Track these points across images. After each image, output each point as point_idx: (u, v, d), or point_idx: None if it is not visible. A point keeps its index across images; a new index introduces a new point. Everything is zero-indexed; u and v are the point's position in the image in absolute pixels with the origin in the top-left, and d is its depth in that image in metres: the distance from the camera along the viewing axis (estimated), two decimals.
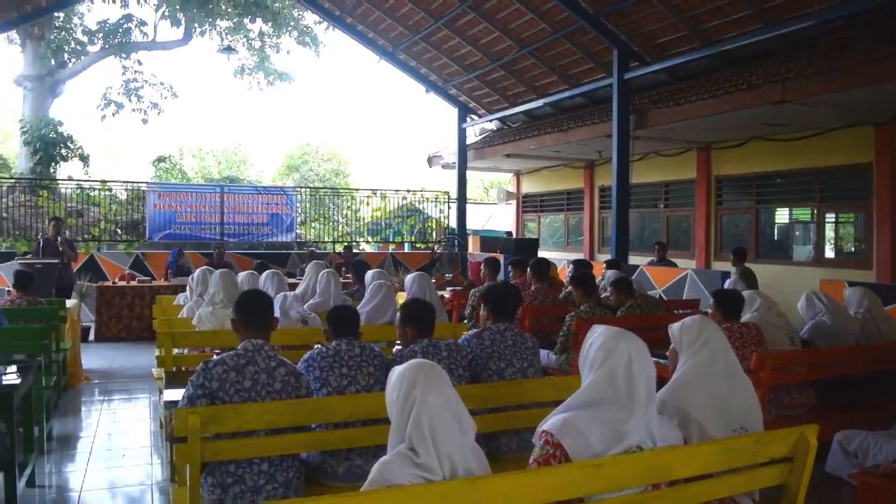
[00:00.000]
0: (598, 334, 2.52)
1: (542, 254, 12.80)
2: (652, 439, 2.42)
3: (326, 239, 15.77)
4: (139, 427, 6.62)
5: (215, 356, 3.43)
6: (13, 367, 4.74)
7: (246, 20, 19.43)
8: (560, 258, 12.97)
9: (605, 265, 9.19)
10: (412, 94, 48.95)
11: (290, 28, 19.90)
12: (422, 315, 3.82)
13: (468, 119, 16.25)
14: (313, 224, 15.98)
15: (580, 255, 15.41)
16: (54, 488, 5.07)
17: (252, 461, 3.11)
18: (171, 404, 3.76)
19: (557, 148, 14.02)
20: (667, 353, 3.16)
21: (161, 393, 5.93)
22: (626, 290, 6.59)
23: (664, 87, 11.64)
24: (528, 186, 19.23)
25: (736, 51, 9.86)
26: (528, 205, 19.42)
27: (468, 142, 16.49)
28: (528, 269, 7.60)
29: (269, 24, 19.63)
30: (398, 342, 4.10)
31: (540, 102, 13.69)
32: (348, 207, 16.22)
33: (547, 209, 18.84)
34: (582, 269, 7.60)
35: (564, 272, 11.22)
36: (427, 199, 16.29)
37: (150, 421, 6.74)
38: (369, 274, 6.46)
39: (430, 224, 16.33)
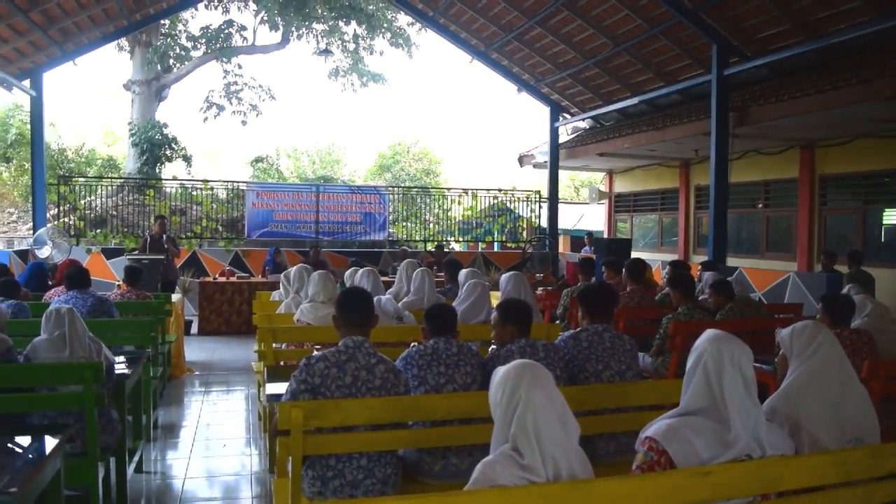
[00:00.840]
0: (702, 340, 2.47)
1: (634, 254, 12.57)
2: (761, 447, 2.34)
3: (417, 238, 15.93)
4: (237, 418, 6.85)
5: (315, 352, 3.52)
6: (123, 358, 4.99)
7: (341, 23, 19.82)
8: (653, 259, 12.70)
9: (701, 267, 8.95)
10: (504, 93, 48.89)
11: (383, 30, 20.18)
12: (520, 314, 3.81)
13: (560, 118, 16.10)
14: (404, 223, 16.17)
15: (674, 256, 15.04)
16: (160, 474, 5.30)
17: (352, 456, 3.17)
18: (273, 397, 3.87)
19: (652, 146, 13.73)
20: (769, 360, 3.05)
21: (261, 386, 6.13)
22: (725, 293, 6.40)
23: (765, 83, 11.22)
24: (621, 186, 18.91)
25: (844, 44, 9.41)
26: (621, 204, 19.10)
27: (560, 141, 16.34)
28: (624, 269, 7.46)
29: (364, 26, 19.96)
30: (494, 341, 4.09)
31: (635, 100, 13.44)
32: (439, 207, 16.34)
33: (640, 209, 18.48)
34: (680, 271, 7.42)
35: (659, 273, 10.99)
36: (518, 198, 16.24)
37: (248, 413, 6.97)
38: (462, 273, 6.48)
39: (520, 223, 16.27)
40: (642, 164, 16.84)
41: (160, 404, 6.83)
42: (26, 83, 12.88)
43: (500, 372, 2.30)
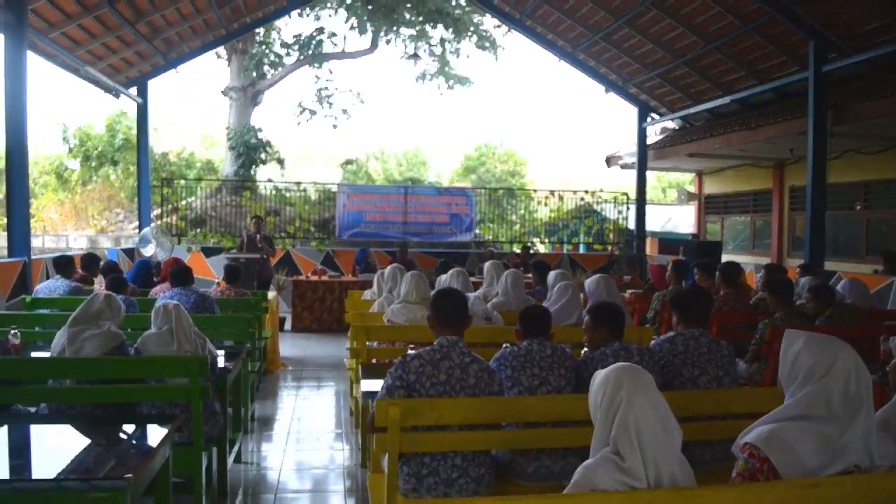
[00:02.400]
0: (802, 344, 2.37)
1: (724, 257, 12.24)
2: (870, 458, 2.25)
3: (503, 239, 15.94)
4: (329, 413, 7.03)
5: (410, 350, 3.59)
6: (223, 352, 5.20)
7: (428, 27, 20.03)
8: (745, 262, 12.33)
9: (798, 270, 8.65)
10: (590, 94, 48.27)
11: (469, 33, 20.28)
12: (613, 317, 3.79)
13: (649, 118, 15.82)
14: (490, 224, 16.21)
15: (766, 260, 14.57)
16: (257, 465, 5.49)
17: (446, 455, 3.22)
18: (368, 394, 3.97)
19: (744, 146, 13.34)
20: (874, 367, 2.93)
21: (353, 383, 6.27)
22: (825, 298, 6.16)
23: (864, 80, 10.74)
24: (711, 187, 18.44)
25: None
26: (711, 206, 18.61)
27: (648, 141, 16.06)
28: (718, 273, 7.28)
29: (450, 30, 20.11)
30: (586, 344, 4.08)
31: (727, 99, 13.08)
32: (525, 208, 16.30)
33: (731, 211, 17.96)
34: (777, 275, 7.19)
35: (752, 277, 10.67)
36: (605, 199, 16.05)
37: (339, 408, 7.14)
38: (552, 275, 6.46)
39: (607, 225, 16.07)
40: (733, 164, 16.38)
41: (256, 398, 7.07)
42: (133, 91, 13.53)
43: (600, 375, 2.30)
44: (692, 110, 14.47)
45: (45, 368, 4.01)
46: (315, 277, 11.78)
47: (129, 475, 2.55)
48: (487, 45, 20.45)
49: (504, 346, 3.98)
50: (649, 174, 18.36)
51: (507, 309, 6.09)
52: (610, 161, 17.66)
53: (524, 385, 3.55)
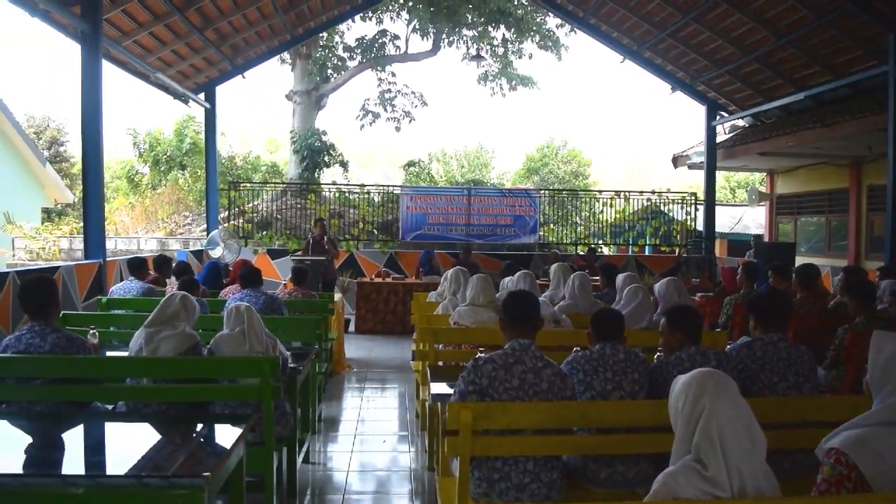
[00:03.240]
0: (895, 347, 2.28)
1: (798, 260, 11.86)
2: None
3: (567, 241, 15.78)
4: (394, 415, 7.06)
5: (479, 353, 3.56)
6: (290, 354, 5.25)
7: (490, 28, 19.97)
8: (820, 264, 11.91)
9: (878, 273, 8.31)
10: (656, 92, 47.52)
11: (532, 33, 20.15)
12: (690, 321, 3.69)
13: (717, 116, 15.45)
14: (553, 226, 16.07)
15: (842, 262, 14.06)
16: (325, 466, 5.54)
17: (518, 459, 3.18)
18: (437, 397, 3.95)
19: (818, 144, 12.89)
20: None
21: (420, 385, 6.28)
22: None
23: None
24: (783, 186, 17.89)
25: None
26: (783, 206, 18.06)
27: (717, 140, 15.69)
28: (794, 275, 7.05)
29: (512, 30, 20.02)
30: (660, 348, 3.99)
31: (800, 95, 12.67)
32: (589, 209, 16.12)
33: (804, 211, 17.40)
34: (857, 277, 6.92)
35: (829, 280, 10.32)
36: (672, 200, 15.74)
37: (405, 410, 7.16)
38: (620, 277, 6.35)
39: (674, 226, 15.75)
40: (807, 163, 15.85)
41: (323, 399, 7.14)
42: (201, 96, 13.86)
43: (681, 380, 2.23)
44: (763, 108, 14.06)
45: (124, 368, 4.12)
46: (379, 279, 11.86)
47: (207, 473, 2.59)
48: (550, 44, 20.29)
49: (574, 349, 3.92)
50: (718, 174, 17.93)
51: (575, 312, 6.01)
52: (677, 161, 17.31)
53: (597, 390, 3.49)
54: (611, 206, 15.64)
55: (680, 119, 65.85)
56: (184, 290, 5.92)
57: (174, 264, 7.84)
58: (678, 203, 15.65)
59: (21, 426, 3.48)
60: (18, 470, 2.79)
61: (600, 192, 16.50)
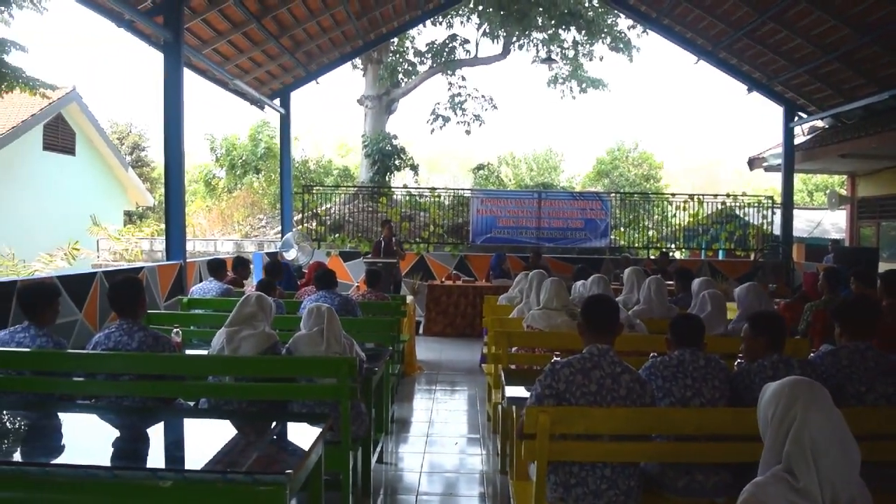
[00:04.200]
0: None
1: (881, 266, 11.40)
2: None
3: (637, 245, 15.54)
4: (465, 417, 7.08)
5: (556, 357, 3.54)
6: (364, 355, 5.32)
7: (560, 30, 19.83)
8: None
9: None
10: (731, 94, 46.44)
11: (603, 35, 19.93)
12: (774, 327, 3.59)
13: (796, 117, 14.99)
14: (624, 229, 15.85)
15: None
16: (397, 466, 5.59)
17: (595, 465, 3.16)
18: (512, 400, 3.95)
19: None
20: None
21: (491, 388, 6.28)
22: None
23: None
24: (866, 189, 17.23)
25: None
26: (865, 210, 17.39)
27: (795, 142, 15.22)
28: (880, 282, 6.77)
29: (583, 32, 19.83)
30: (740, 355, 3.90)
31: (884, 95, 12.18)
32: (660, 213, 15.85)
33: (888, 215, 16.72)
34: None
35: None
36: (748, 203, 15.34)
37: (476, 412, 7.17)
38: (696, 282, 6.23)
39: (750, 230, 15.33)
40: (891, 165, 15.25)
41: (395, 400, 7.21)
42: (276, 102, 14.17)
43: (771, 388, 2.17)
44: (845, 108, 13.57)
45: (206, 366, 4.24)
46: (449, 282, 11.91)
47: (290, 471, 2.64)
48: (621, 46, 20.03)
49: (651, 355, 3.86)
50: (796, 176, 17.39)
51: (649, 317, 5.93)
52: (753, 163, 16.87)
53: (676, 396, 3.43)
54: (683, 209, 15.33)
55: (755, 121, 64.22)
56: (261, 291, 6.10)
57: (264, 266, 8.03)
58: (754, 206, 15.24)
59: (110, 420, 3.62)
60: (107, 461, 2.90)
61: (673, 195, 16.19)
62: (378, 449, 5.35)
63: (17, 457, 3.01)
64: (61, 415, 3.62)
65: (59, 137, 20.31)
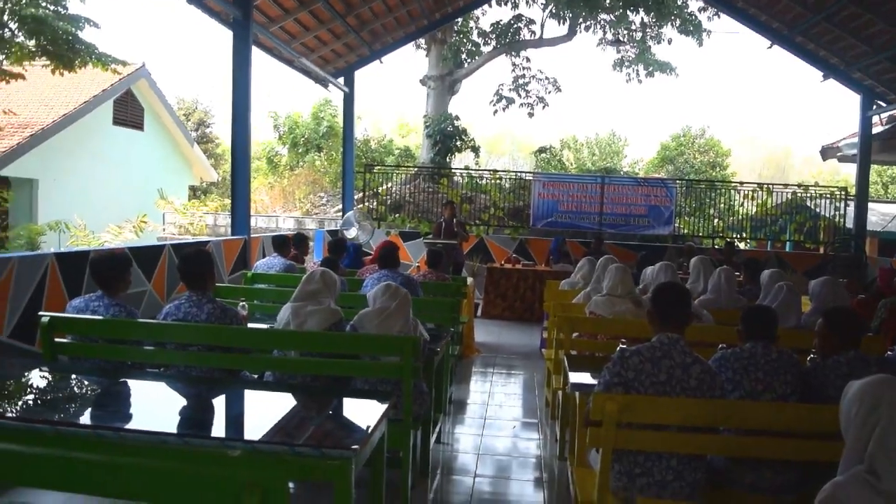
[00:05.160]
0: None
1: None
2: None
3: (702, 233, 15.22)
4: (522, 401, 7.05)
5: (622, 345, 3.48)
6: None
7: (629, 12, 19.43)
8: None
9: None
10: (802, 80, 44.87)
11: (672, 17, 19.45)
12: (851, 324, 3.47)
13: (874, 106, 14.43)
14: (688, 217, 15.53)
15: None
16: (455, 447, 5.60)
17: (661, 455, 3.10)
18: (576, 386, 3.91)
19: None
20: None
21: (550, 373, 6.24)
22: None
23: None
24: None
25: None
26: None
27: (873, 131, 14.65)
28: None
29: (651, 14, 19.40)
30: (813, 350, 3.78)
31: None
32: (726, 201, 15.48)
33: None
34: None
35: None
36: (819, 194, 14.85)
37: (533, 397, 7.14)
38: (766, 273, 6.05)
39: (821, 222, 14.85)
40: None
41: (453, 381, 7.22)
42: (340, 80, 14.25)
43: (854, 386, 2.09)
44: None
45: (273, 339, 4.30)
46: (509, 265, 11.86)
47: (356, 446, 2.66)
48: (691, 29, 19.52)
49: (720, 346, 3.77)
50: (871, 168, 16.77)
51: (716, 307, 5.80)
52: (826, 153, 16.31)
53: (746, 389, 3.35)
54: (751, 199, 14.93)
55: (828, 109, 62.12)
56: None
57: (327, 243, 8.12)
58: (826, 197, 14.75)
59: (178, 388, 3.70)
60: (173, 428, 2.96)
61: (741, 183, 15.78)
62: (436, 429, 5.37)
63: (92, 421, 3.09)
64: (132, 382, 3.71)
65: (128, 113, 20.83)
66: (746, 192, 15.00)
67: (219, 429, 3.21)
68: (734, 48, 62.29)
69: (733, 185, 16.10)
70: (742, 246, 15.68)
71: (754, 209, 15.05)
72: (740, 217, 15.33)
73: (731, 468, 3.35)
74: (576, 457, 3.88)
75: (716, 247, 13.88)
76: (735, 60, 67.34)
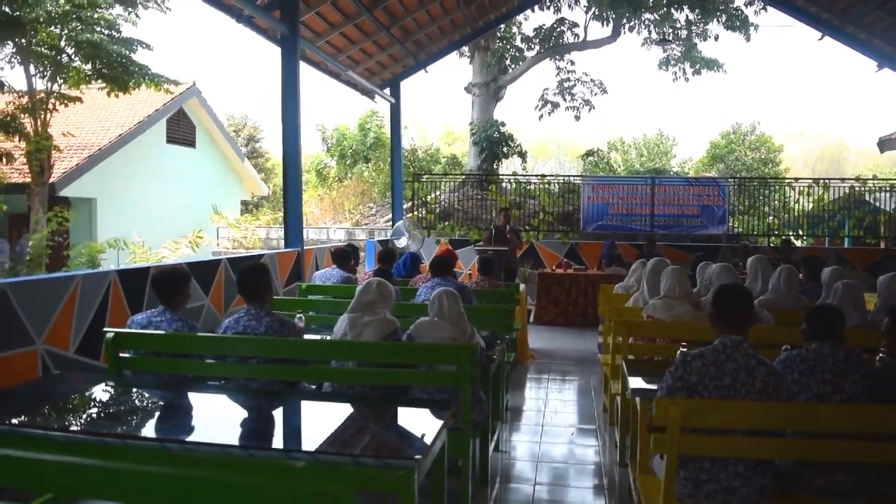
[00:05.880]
0: None
1: None
2: None
3: (756, 232, 14.92)
4: (579, 408, 6.98)
5: (682, 348, 3.42)
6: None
7: (673, 10, 19.17)
8: None
9: None
10: (856, 72, 43.67)
11: (718, 14, 19.12)
12: None
13: None
14: (741, 216, 15.24)
15: None
16: (513, 455, 5.56)
17: (728, 461, 3.04)
18: (637, 391, 3.86)
19: None
20: None
21: (608, 379, 6.17)
22: None
23: None
24: None
25: None
26: None
27: None
28: None
29: (697, 11, 19.10)
30: (882, 350, 3.67)
31: None
32: (780, 198, 15.15)
33: None
34: None
35: None
36: (879, 188, 14.43)
37: (590, 402, 7.06)
38: (826, 271, 5.90)
39: (881, 217, 14.42)
40: None
41: (508, 388, 7.19)
42: (386, 91, 14.36)
43: None
44: None
45: (330, 350, 4.33)
46: (560, 270, 11.79)
47: (419, 456, 2.66)
48: (738, 24, 19.16)
49: (784, 348, 3.69)
50: None
51: (776, 307, 5.66)
52: (884, 145, 15.85)
53: (814, 391, 3.26)
54: (807, 195, 14.58)
55: (883, 100, 60.41)
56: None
57: (378, 253, 8.16)
58: (886, 191, 14.33)
59: (239, 401, 3.75)
60: (236, 440, 3.01)
61: (795, 179, 15.43)
62: (494, 437, 5.35)
63: (158, 433, 3.15)
64: (194, 395, 3.78)
65: (180, 131, 21.33)
66: (802, 188, 14.66)
67: (280, 440, 3.25)
68: (783, 41, 61.01)
69: (788, 181, 15.74)
70: (798, 243, 15.33)
71: (810, 205, 14.69)
72: (796, 214, 14.99)
73: (800, 472, 3.27)
74: (638, 463, 3.82)
75: (771, 245, 13.58)
76: (785, 54, 66.00)
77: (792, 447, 3.15)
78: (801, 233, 15.25)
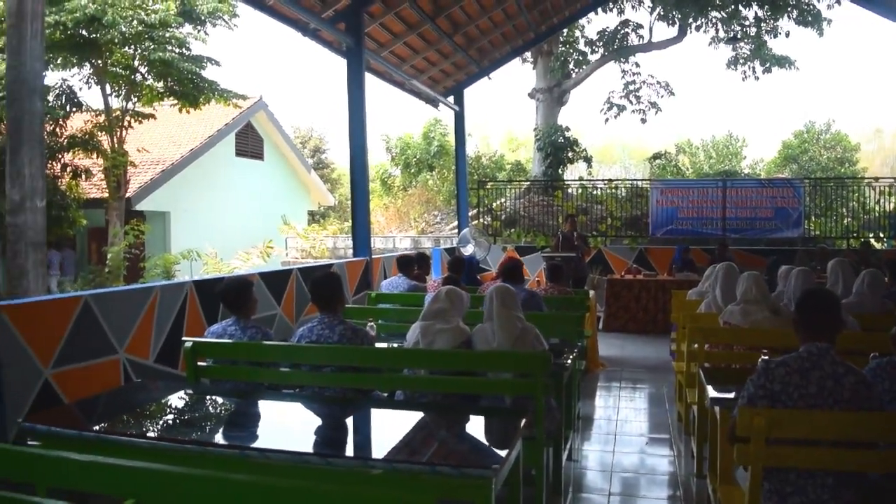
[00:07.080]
0: None
1: None
2: None
3: (833, 234, 14.41)
4: (652, 417, 6.86)
5: (763, 356, 3.32)
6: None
7: (741, 7, 18.72)
8: None
9: None
10: None
11: (789, 9, 18.58)
12: None
13: None
14: (817, 218, 14.75)
15: None
16: (585, 464, 5.48)
17: (815, 473, 2.92)
18: (716, 401, 3.75)
19: None
20: None
21: (682, 387, 6.04)
22: None
23: None
24: None
25: None
26: None
27: None
28: None
29: (766, 7, 18.60)
30: None
31: None
32: (858, 199, 14.60)
33: None
34: None
35: None
36: None
37: (663, 412, 6.92)
38: None
39: None
40: None
41: (579, 396, 7.11)
42: (450, 99, 14.41)
43: None
44: None
45: (403, 358, 4.35)
46: (629, 276, 11.61)
47: (496, 465, 2.64)
48: (810, 19, 18.57)
49: (872, 355, 3.54)
50: None
51: (859, 312, 5.44)
52: None
53: None
54: (888, 195, 14.02)
55: None
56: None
57: (447, 261, 8.20)
58: None
59: (313, 409, 3.80)
60: (311, 447, 3.05)
61: (875, 179, 14.85)
62: (567, 446, 5.28)
63: (235, 441, 3.21)
64: (270, 403, 3.85)
65: (249, 144, 21.85)
66: (882, 188, 14.10)
67: (355, 447, 3.27)
68: (858, 36, 58.89)
69: (867, 181, 15.17)
70: (878, 246, 14.76)
71: (891, 206, 14.12)
72: (876, 215, 14.42)
73: (892, 486, 3.13)
74: (718, 475, 3.72)
75: (850, 247, 13.10)
76: (860, 48, 63.79)
77: (886, 459, 3.01)
78: (881, 235, 14.66)
